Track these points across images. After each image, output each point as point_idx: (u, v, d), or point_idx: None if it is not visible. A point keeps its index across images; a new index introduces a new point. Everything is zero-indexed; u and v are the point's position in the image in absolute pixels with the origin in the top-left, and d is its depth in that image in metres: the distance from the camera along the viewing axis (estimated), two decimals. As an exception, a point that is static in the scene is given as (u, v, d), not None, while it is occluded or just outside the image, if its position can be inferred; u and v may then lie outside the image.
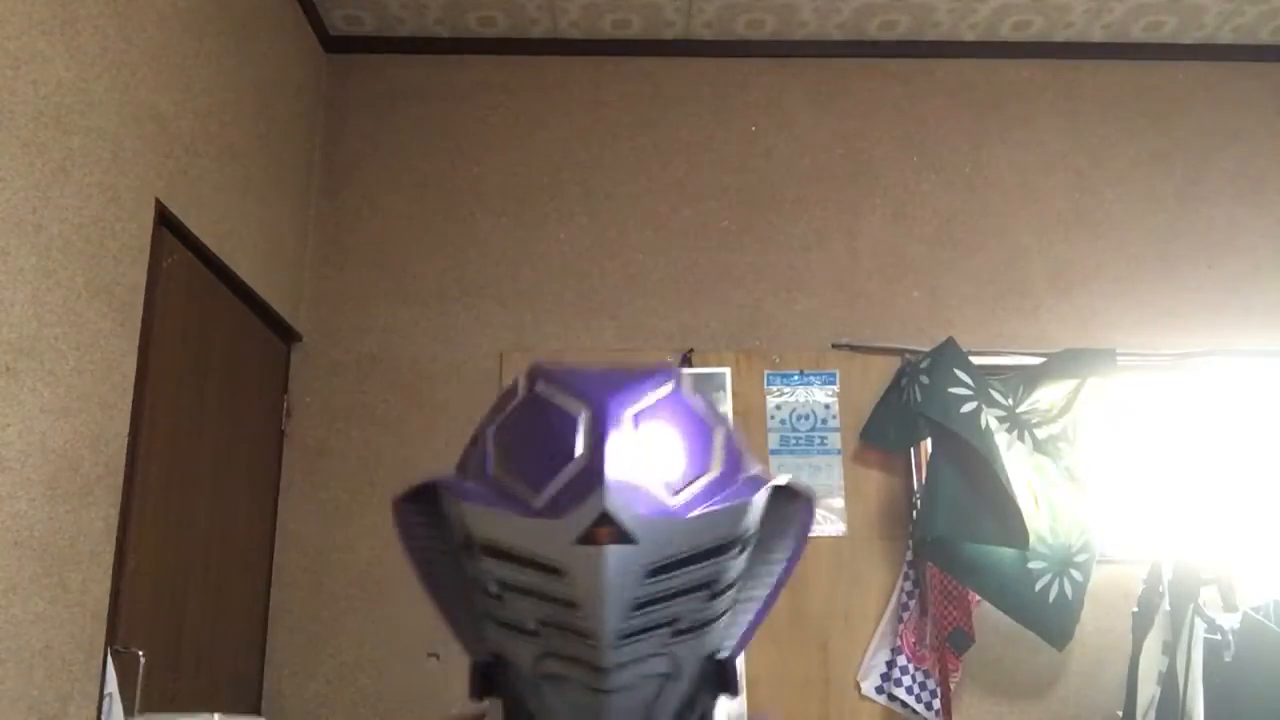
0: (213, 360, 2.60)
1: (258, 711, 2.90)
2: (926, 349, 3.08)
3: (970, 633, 2.92)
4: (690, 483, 0.69)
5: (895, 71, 3.45)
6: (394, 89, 3.41)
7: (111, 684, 2.02)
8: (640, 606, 0.67)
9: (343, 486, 3.09)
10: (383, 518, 3.09)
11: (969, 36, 3.42)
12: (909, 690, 2.92)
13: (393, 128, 3.37)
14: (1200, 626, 2.46)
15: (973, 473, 2.86)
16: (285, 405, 3.10)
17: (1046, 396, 3.07)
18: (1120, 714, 2.68)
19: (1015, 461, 2.91)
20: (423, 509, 0.77)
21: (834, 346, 3.18)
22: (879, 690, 2.94)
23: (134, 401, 2.14)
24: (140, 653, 2.09)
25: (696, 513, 0.67)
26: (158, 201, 2.24)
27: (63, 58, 1.89)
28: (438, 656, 2.96)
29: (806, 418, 3.11)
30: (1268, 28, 3.37)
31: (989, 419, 2.94)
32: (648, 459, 0.68)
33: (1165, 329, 3.23)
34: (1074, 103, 3.45)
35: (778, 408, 3.12)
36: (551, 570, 0.66)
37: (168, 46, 2.30)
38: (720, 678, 0.78)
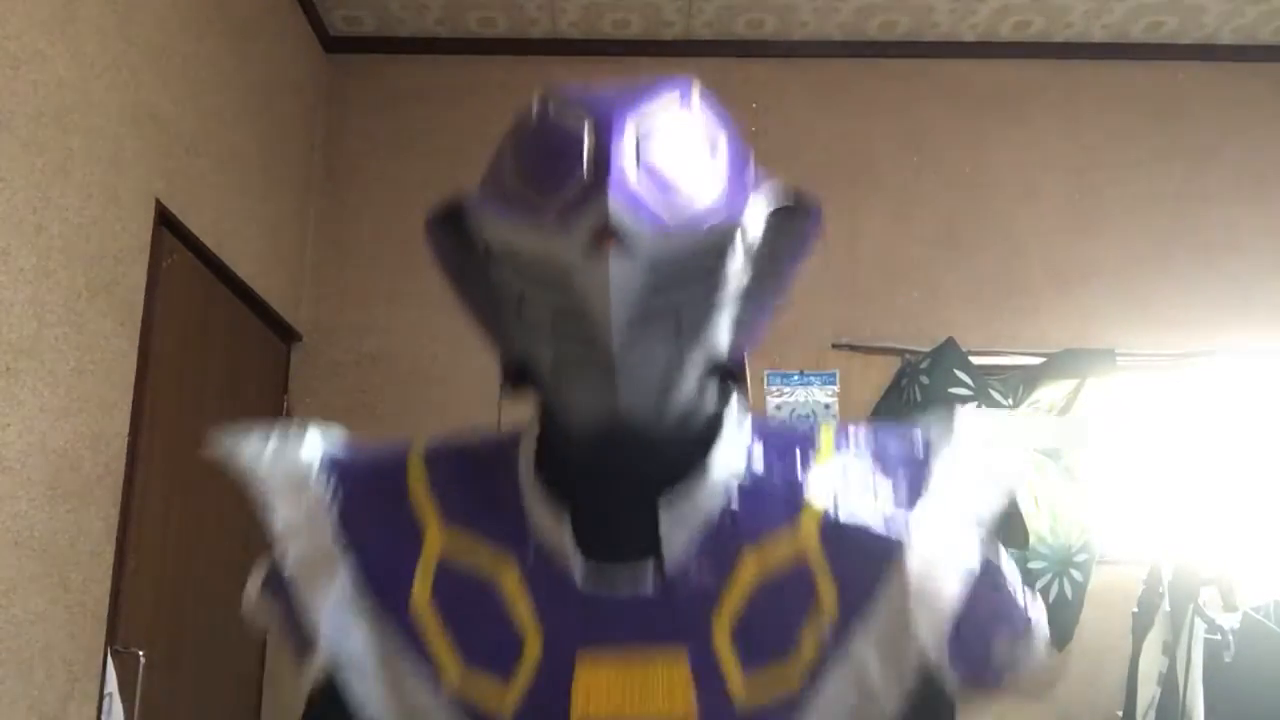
0: (213, 360, 2.60)
1: (257, 713, 2.90)
2: (926, 349, 3.08)
3: (970, 633, 2.92)
4: (693, 193, 0.70)
5: (895, 71, 3.45)
6: (394, 89, 3.40)
7: (111, 684, 2.02)
8: (644, 313, 0.70)
9: (343, 486, 3.09)
10: (383, 518, 3.10)
11: (969, 37, 3.42)
12: (909, 690, 2.92)
13: (393, 128, 3.37)
14: (1200, 626, 2.46)
15: (973, 473, 2.86)
16: (285, 405, 3.10)
17: (1046, 396, 3.07)
18: (1120, 714, 2.68)
19: (1015, 461, 2.91)
20: (452, 228, 0.83)
21: (834, 346, 3.18)
22: (879, 690, 2.94)
23: (134, 401, 2.14)
24: (140, 653, 2.09)
25: (700, 227, 0.69)
26: (158, 201, 2.24)
27: (63, 58, 1.89)
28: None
29: (807, 417, 3.11)
30: (1268, 28, 3.36)
31: (989, 419, 2.94)
32: (651, 171, 0.69)
33: (1165, 329, 3.23)
34: (1074, 103, 3.45)
35: (778, 408, 3.12)
36: (560, 279, 0.69)
37: (168, 46, 2.30)
38: (727, 374, 0.81)
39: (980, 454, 0.82)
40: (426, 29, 3.37)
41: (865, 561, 0.78)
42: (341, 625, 0.80)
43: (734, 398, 0.82)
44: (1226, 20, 3.32)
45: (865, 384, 3.13)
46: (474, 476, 0.86)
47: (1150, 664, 2.55)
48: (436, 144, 3.36)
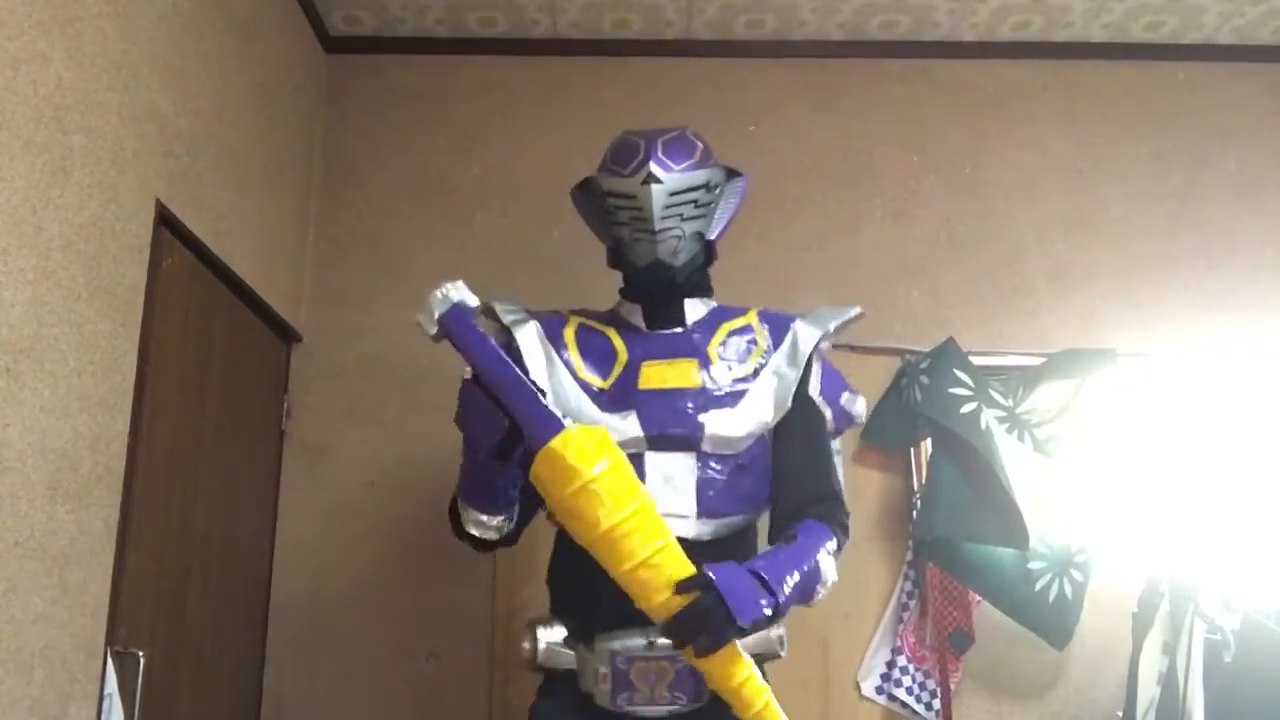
0: (213, 360, 2.60)
1: (257, 713, 2.90)
2: (926, 349, 3.08)
3: (970, 633, 2.92)
4: (684, 164, 1.87)
5: (895, 72, 3.45)
6: (394, 89, 3.40)
7: (111, 684, 2.02)
8: (667, 208, 1.83)
9: (343, 486, 3.09)
10: (383, 518, 3.10)
11: (969, 37, 3.42)
12: (909, 690, 2.92)
13: (393, 128, 3.37)
14: (1200, 626, 2.46)
15: (973, 473, 2.86)
16: (285, 405, 3.10)
17: (1046, 397, 3.06)
18: (1120, 714, 2.68)
19: (1015, 461, 2.91)
20: (580, 191, 2.00)
21: (834, 346, 3.17)
22: (879, 690, 2.94)
23: (134, 401, 2.14)
24: (140, 653, 2.09)
25: (683, 174, 1.86)
26: (158, 201, 2.24)
27: (63, 58, 1.89)
28: (438, 657, 2.96)
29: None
30: (1268, 28, 3.37)
31: (989, 419, 2.94)
32: (667, 156, 1.85)
33: (1165, 329, 3.23)
34: (1074, 103, 3.45)
35: (778, 408, 3.12)
36: (631, 198, 1.84)
37: (168, 46, 2.30)
38: (707, 247, 1.96)
39: (834, 311, 2.02)
40: (426, 29, 3.37)
41: (780, 328, 1.94)
42: (531, 349, 1.91)
43: (705, 274, 2.00)
44: (1226, 20, 3.32)
45: (865, 384, 3.08)
46: (596, 311, 2.03)
47: (1150, 664, 2.55)
48: (436, 144, 3.36)
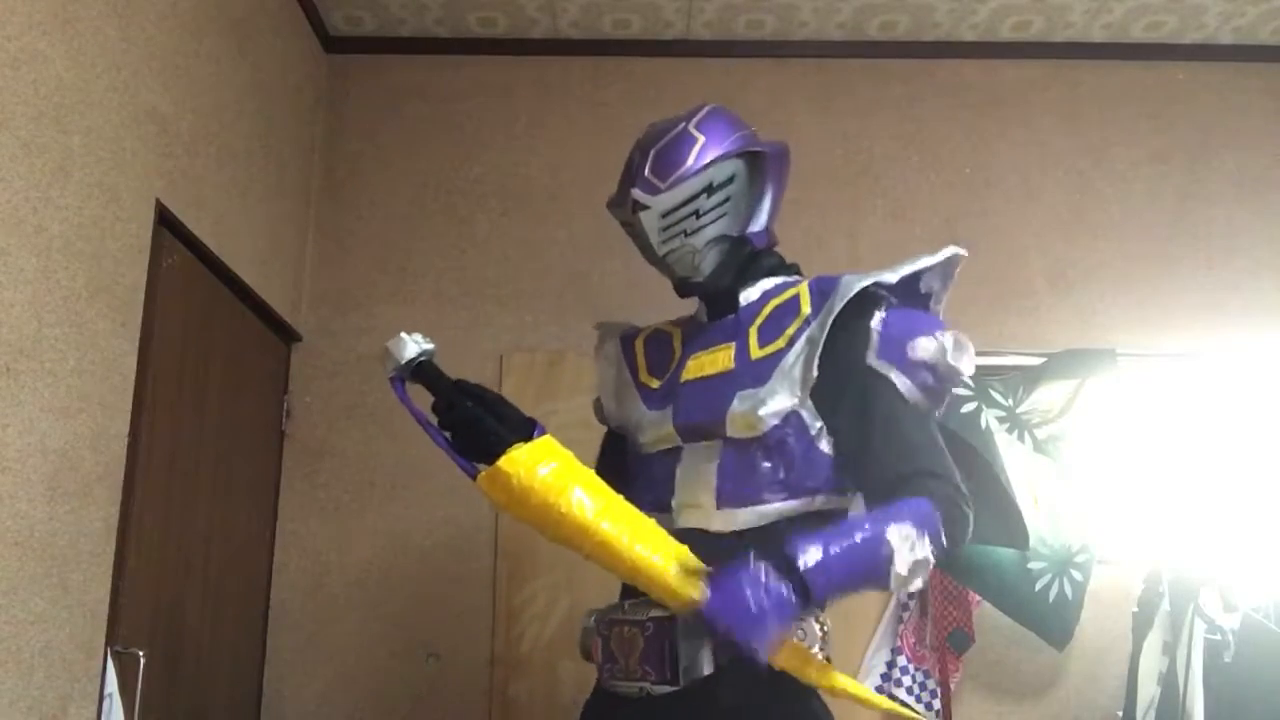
0: (213, 360, 2.60)
1: (257, 713, 2.90)
2: (926, 349, 3.08)
3: (970, 633, 2.92)
4: (673, 175, 1.69)
5: (895, 71, 3.45)
6: (394, 89, 3.40)
7: (111, 684, 2.02)
8: (663, 231, 1.72)
9: (343, 486, 3.09)
10: (382, 517, 3.10)
11: (969, 37, 3.42)
12: (909, 690, 2.92)
13: (393, 128, 3.37)
14: (1200, 626, 2.46)
15: (973, 473, 2.86)
16: (285, 405, 3.10)
17: (1046, 397, 3.06)
18: (1120, 714, 2.68)
19: (1015, 461, 2.91)
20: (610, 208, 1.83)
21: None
22: (879, 690, 2.94)
23: (134, 401, 2.14)
24: (140, 653, 2.09)
25: (672, 191, 1.69)
26: (158, 201, 2.24)
27: (63, 58, 1.89)
28: (438, 657, 2.96)
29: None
30: (1268, 28, 3.37)
31: (989, 419, 2.94)
32: (656, 172, 1.70)
33: (1165, 329, 3.23)
34: (1074, 103, 3.45)
35: (778, 408, 3.11)
36: (631, 226, 1.76)
37: (168, 46, 2.30)
38: (750, 244, 1.77)
39: (913, 260, 1.77)
40: (426, 29, 3.37)
41: (824, 292, 1.69)
42: (604, 375, 1.93)
43: (764, 257, 1.81)
44: (1226, 20, 3.32)
45: (865, 384, 3.12)
46: (684, 315, 1.93)
47: (1150, 664, 2.55)
48: (436, 144, 3.36)
